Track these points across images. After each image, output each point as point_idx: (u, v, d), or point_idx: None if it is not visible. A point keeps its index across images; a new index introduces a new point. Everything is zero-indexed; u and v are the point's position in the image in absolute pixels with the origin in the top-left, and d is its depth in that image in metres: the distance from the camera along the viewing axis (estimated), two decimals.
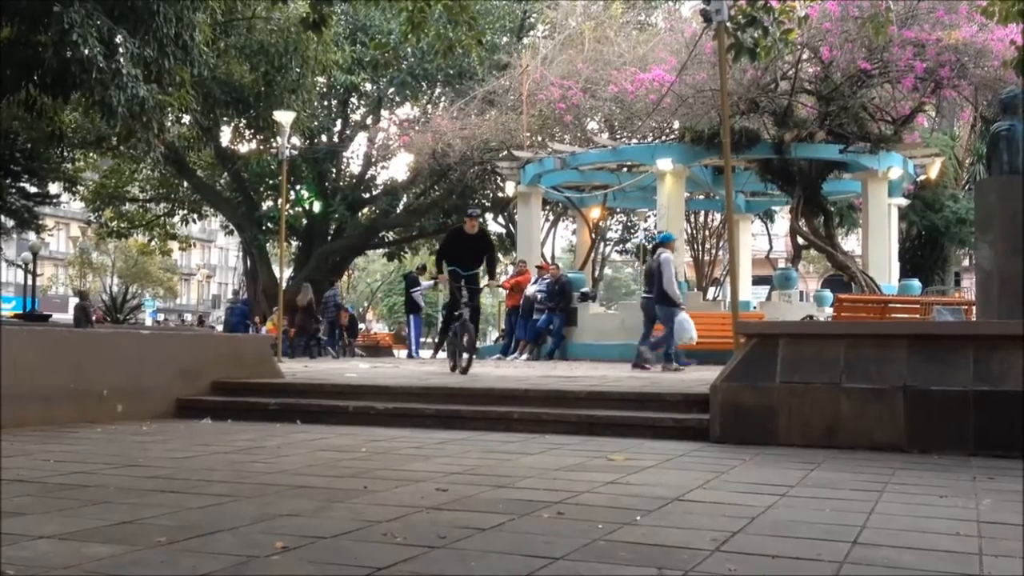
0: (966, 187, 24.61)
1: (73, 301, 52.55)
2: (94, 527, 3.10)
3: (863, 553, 2.89)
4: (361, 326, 36.29)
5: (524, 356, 16.94)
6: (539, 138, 22.92)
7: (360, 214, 30.57)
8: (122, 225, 32.93)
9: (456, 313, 10.37)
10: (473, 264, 10.38)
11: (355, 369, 11.53)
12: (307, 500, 3.67)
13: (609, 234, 36.47)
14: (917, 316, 14.28)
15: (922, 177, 20.65)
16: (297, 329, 21.24)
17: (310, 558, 2.73)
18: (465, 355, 9.95)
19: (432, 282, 21.77)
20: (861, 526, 3.30)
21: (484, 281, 10.85)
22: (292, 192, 27.46)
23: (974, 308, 10.99)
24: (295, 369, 10.40)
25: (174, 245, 35.99)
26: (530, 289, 17.63)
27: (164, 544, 2.86)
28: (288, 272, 28.73)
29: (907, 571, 2.68)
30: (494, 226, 33.17)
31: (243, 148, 27.23)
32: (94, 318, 22.55)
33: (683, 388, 7.15)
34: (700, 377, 9.13)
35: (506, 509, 3.52)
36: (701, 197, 24.33)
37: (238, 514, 3.36)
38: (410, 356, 20.66)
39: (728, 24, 7.91)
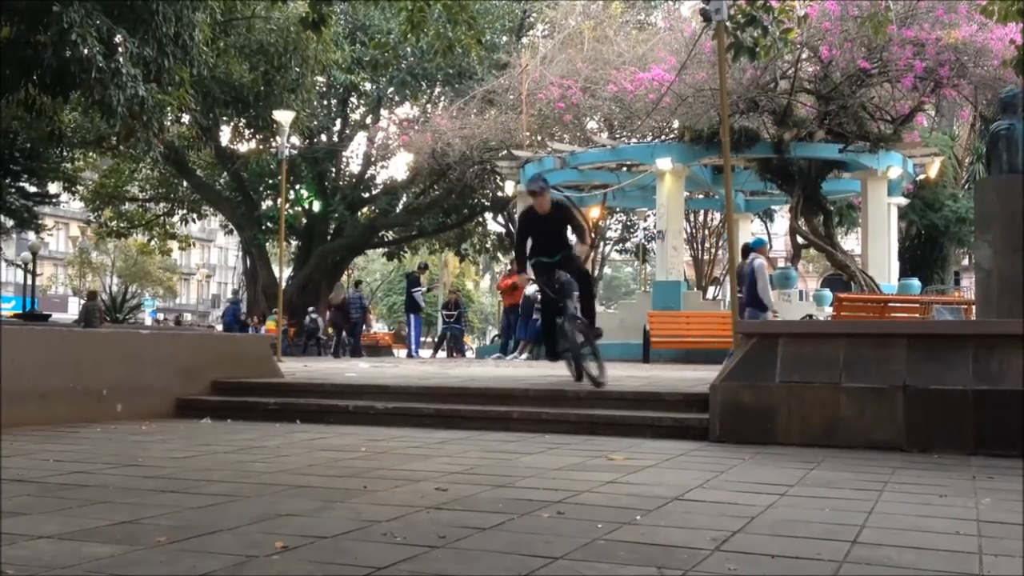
0: (966, 186, 24.62)
1: (73, 301, 52.62)
2: (94, 527, 3.10)
3: (863, 552, 2.89)
4: None
5: (524, 356, 16.97)
6: (539, 137, 22.92)
7: (360, 213, 30.59)
8: (122, 225, 32.96)
9: (560, 306, 7.95)
10: (558, 246, 8.24)
11: (355, 369, 11.53)
12: (307, 500, 3.67)
13: (609, 233, 36.52)
14: (917, 315, 14.29)
15: (921, 176, 20.66)
16: (331, 327, 23.29)
17: (310, 558, 2.73)
18: (594, 358, 7.50)
19: (425, 288, 21.97)
20: (861, 525, 3.30)
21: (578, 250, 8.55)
22: (292, 192, 27.48)
23: (973, 307, 11.01)
24: (295, 369, 10.39)
25: (174, 245, 35.99)
26: (530, 289, 17.63)
27: (164, 544, 2.86)
28: (288, 271, 28.76)
29: (907, 570, 2.68)
30: (493, 226, 33.24)
31: (243, 148, 27.25)
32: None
33: (683, 388, 7.14)
34: (700, 377, 9.14)
35: (506, 509, 3.52)
36: (701, 196, 24.35)
37: (238, 514, 3.36)
38: (410, 355, 20.74)
39: (728, 23, 7.91)
